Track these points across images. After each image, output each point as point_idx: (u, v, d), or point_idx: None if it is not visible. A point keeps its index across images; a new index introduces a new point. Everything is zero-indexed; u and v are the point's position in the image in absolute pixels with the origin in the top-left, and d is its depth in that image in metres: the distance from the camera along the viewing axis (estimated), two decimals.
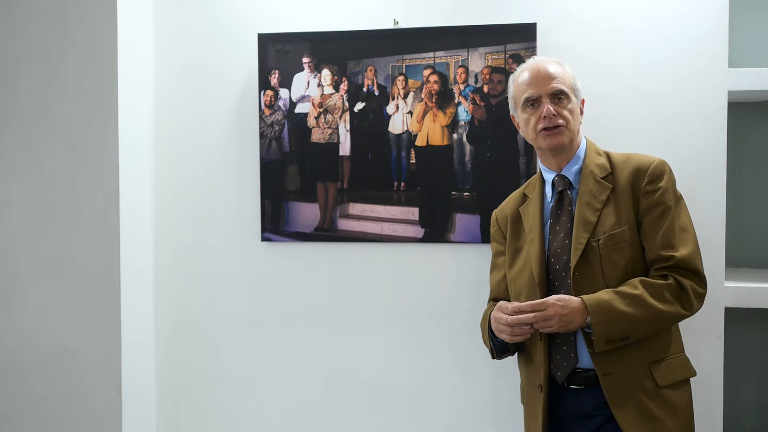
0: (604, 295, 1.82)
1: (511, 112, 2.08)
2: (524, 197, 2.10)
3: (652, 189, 1.91)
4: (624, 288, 1.84)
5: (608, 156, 2.00)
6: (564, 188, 1.98)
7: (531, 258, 1.97)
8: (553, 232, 1.97)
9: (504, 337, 1.91)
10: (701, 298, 1.90)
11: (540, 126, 1.95)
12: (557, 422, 1.95)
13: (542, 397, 1.93)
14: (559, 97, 1.95)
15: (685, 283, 1.86)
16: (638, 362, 1.86)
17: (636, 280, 1.85)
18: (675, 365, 1.91)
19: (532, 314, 1.82)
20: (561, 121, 1.94)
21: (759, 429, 2.59)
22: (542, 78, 1.96)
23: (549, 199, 2.02)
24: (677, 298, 1.84)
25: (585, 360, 1.89)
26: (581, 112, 2.03)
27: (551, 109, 1.93)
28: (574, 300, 1.82)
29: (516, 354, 2.08)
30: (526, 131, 2.01)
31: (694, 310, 1.88)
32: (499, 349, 2.02)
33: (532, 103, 1.97)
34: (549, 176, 2.03)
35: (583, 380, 1.90)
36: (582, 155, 2.00)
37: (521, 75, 2.01)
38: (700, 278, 1.90)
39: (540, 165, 2.06)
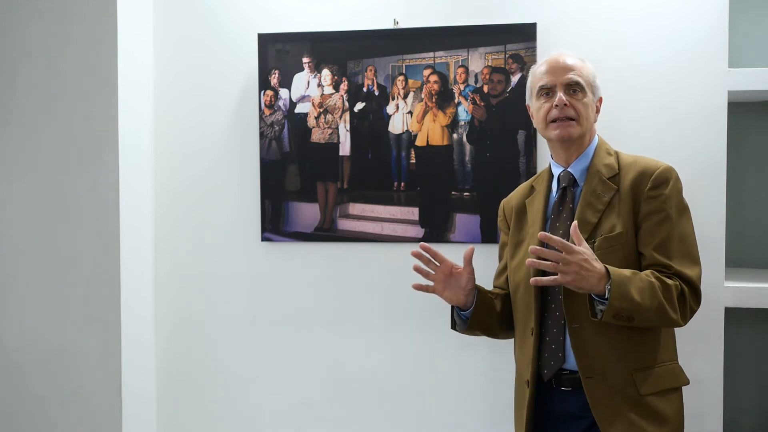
0: (626, 271, 1.78)
1: (527, 102, 2.06)
2: (531, 189, 2.09)
3: (654, 195, 1.88)
4: (641, 273, 1.80)
5: (618, 156, 1.98)
6: (568, 185, 1.97)
7: (530, 253, 1.96)
8: (553, 229, 1.96)
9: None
10: (693, 314, 1.88)
11: (551, 115, 1.93)
12: (546, 421, 1.95)
13: (528, 392, 1.93)
14: (574, 89, 1.93)
15: (686, 292, 1.84)
16: (621, 368, 1.84)
17: (650, 272, 1.82)
18: (662, 374, 1.89)
19: (555, 253, 1.73)
20: (572, 113, 1.92)
21: (759, 429, 2.59)
22: (559, 68, 1.95)
23: (554, 194, 2.01)
24: (678, 302, 1.82)
25: (572, 361, 1.88)
26: (597, 111, 2.01)
27: (564, 98, 1.92)
28: (599, 264, 1.76)
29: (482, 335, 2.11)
30: (537, 120, 2.00)
31: (686, 321, 1.86)
32: (458, 315, 2.04)
33: (546, 92, 1.95)
34: (556, 171, 2.01)
35: (571, 382, 1.89)
36: (591, 153, 1.98)
37: (540, 66, 2.00)
38: (697, 296, 1.87)
39: (550, 158, 2.05)
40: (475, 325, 2.04)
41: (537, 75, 2.00)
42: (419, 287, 1.98)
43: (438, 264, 1.97)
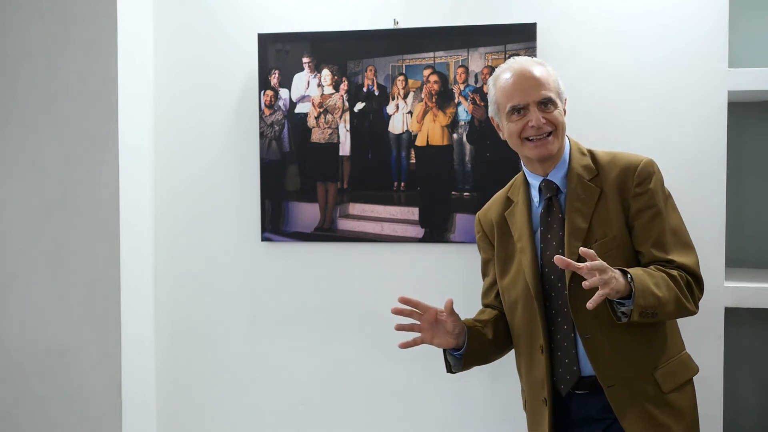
0: (636, 269, 1.77)
1: (491, 114, 1.97)
2: (509, 201, 2.02)
3: (641, 191, 1.86)
4: (647, 269, 1.79)
5: (593, 155, 1.93)
6: (552, 194, 1.92)
7: (524, 268, 1.92)
8: (545, 241, 1.91)
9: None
10: (699, 300, 1.88)
11: (527, 133, 1.86)
12: (563, 427, 1.91)
13: (548, 410, 1.89)
14: (546, 104, 1.85)
15: (691, 281, 1.84)
16: (641, 371, 1.84)
17: (653, 267, 1.81)
18: (677, 367, 1.89)
19: (599, 261, 1.68)
20: (549, 128, 1.86)
21: (759, 429, 2.59)
22: (528, 84, 1.85)
23: (536, 205, 1.95)
24: (687, 291, 1.82)
25: (587, 369, 1.86)
26: (565, 113, 1.93)
27: (540, 118, 1.84)
28: (618, 271, 1.72)
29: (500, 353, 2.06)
30: (510, 138, 1.91)
31: (695, 309, 1.85)
32: (451, 355, 1.97)
33: (519, 110, 1.86)
34: (534, 181, 1.95)
35: (588, 385, 1.87)
36: (567, 157, 1.93)
37: (502, 77, 1.90)
38: (699, 282, 1.87)
39: (523, 167, 1.99)
40: (470, 362, 1.97)
41: (504, 90, 1.89)
42: (406, 345, 1.91)
43: (421, 313, 1.90)
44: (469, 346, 1.93)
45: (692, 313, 1.85)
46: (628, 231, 1.87)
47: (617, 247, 1.85)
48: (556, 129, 1.87)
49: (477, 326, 1.99)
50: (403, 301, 1.88)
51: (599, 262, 1.68)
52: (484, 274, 2.14)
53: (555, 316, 1.89)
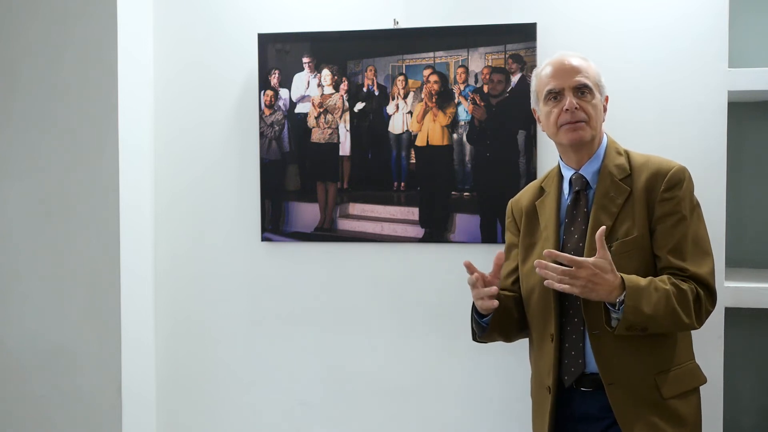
0: (641, 281, 1.77)
1: (533, 106, 2.04)
2: (541, 191, 2.05)
3: (669, 197, 1.86)
4: (656, 281, 1.79)
5: (628, 156, 1.96)
6: (581, 188, 1.94)
7: (544, 257, 1.94)
8: (567, 233, 1.93)
9: (478, 304, 1.89)
10: (708, 315, 1.87)
11: (562, 119, 1.90)
12: (565, 422, 1.93)
13: (550, 398, 1.91)
14: (582, 91, 1.90)
15: (702, 295, 1.83)
16: (644, 373, 1.83)
17: (666, 277, 1.81)
18: (683, 375, 1.88)
19: (561, 268, 1.74)
20: (583, 116, 1.89)
21: (759, 429, 2.59)
22: (566, 71, 1.91)
23: (566, 197, 1.98)
24: (693, 306, 1.81)
25: (592, 365, 1.86)
26: (605, 110, 1.98)
27: (574, 102, 1.88)
28: (613, 275, 1.74)
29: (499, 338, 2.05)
30: (546, 125, 1.96)
31: (701, 324, 1.85)
32: (477, 323, 1.98)
33: (555, 95, 1.91)
34: (567, 173, 1.98)
35: (592, 383, 1.87)
36: (602, 154, 1.95)
37: (545, 69, 1.96)
38: (712, 296, 1.86)
39: (559, 160, 2.02)
40: (495, 329, 1.98)
41: (543, 78, 1.96)
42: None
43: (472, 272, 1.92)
44: (496, 315, 1.94)
45: (692, 328, 1.84)
46: (650, 234, 1.88)
47: (637, 248, 1.85)
48: (589, 119, 1.90)
49: (504, 299, 2.00)
50: (467, 264, 1.91)
51: (583, 261, 1.73)
52: (505, 258, 2.13)
53: (568, 308, 1.90)
